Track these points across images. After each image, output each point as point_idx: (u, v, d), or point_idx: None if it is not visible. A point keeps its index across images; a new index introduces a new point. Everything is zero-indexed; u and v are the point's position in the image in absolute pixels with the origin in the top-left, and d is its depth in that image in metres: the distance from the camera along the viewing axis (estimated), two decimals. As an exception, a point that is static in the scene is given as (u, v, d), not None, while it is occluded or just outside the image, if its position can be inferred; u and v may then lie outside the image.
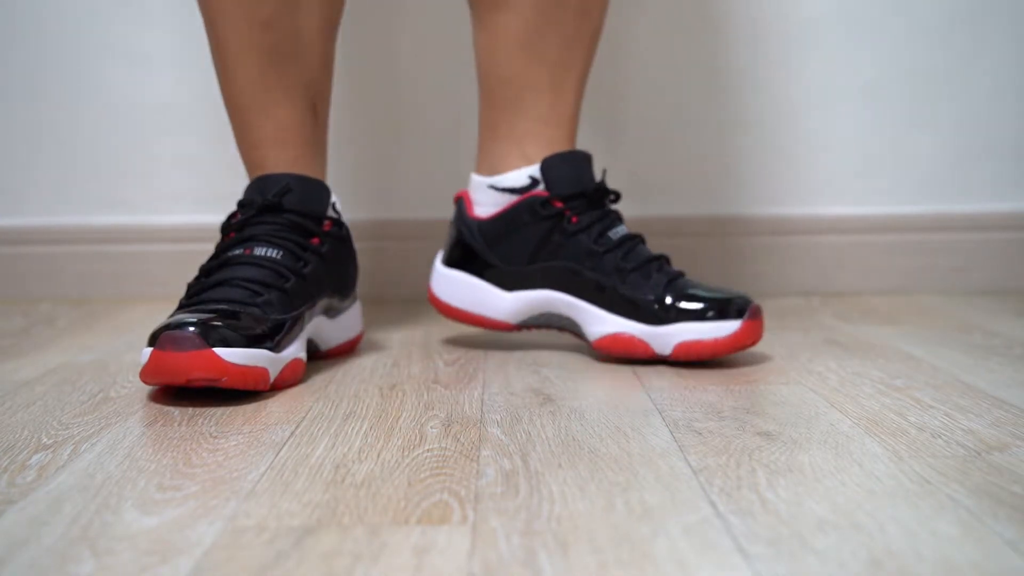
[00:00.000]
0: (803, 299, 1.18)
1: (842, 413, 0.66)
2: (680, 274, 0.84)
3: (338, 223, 0.87)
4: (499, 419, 0.66)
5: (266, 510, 0.50)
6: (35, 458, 0.59)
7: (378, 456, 0.58)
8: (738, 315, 0.80)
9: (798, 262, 1.23)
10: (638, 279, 0.83)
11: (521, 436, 0.62)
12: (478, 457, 0.58)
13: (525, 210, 0.87)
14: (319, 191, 0.86)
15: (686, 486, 0.53)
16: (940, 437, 0.61)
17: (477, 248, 0.88)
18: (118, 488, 0.53)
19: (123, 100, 1.22)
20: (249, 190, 0.85)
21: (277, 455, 0.59)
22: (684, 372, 0.79)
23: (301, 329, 0.79)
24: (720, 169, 1.24)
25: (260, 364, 0.72)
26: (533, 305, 0.87)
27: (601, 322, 0.84)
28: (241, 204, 0.84)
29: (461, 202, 0.90)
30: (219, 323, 0.71)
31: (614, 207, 0.89)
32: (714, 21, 1.23)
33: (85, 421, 0.67)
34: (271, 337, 0.74)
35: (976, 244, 1.23)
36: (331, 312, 0.87)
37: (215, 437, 0.62)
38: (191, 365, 0.68)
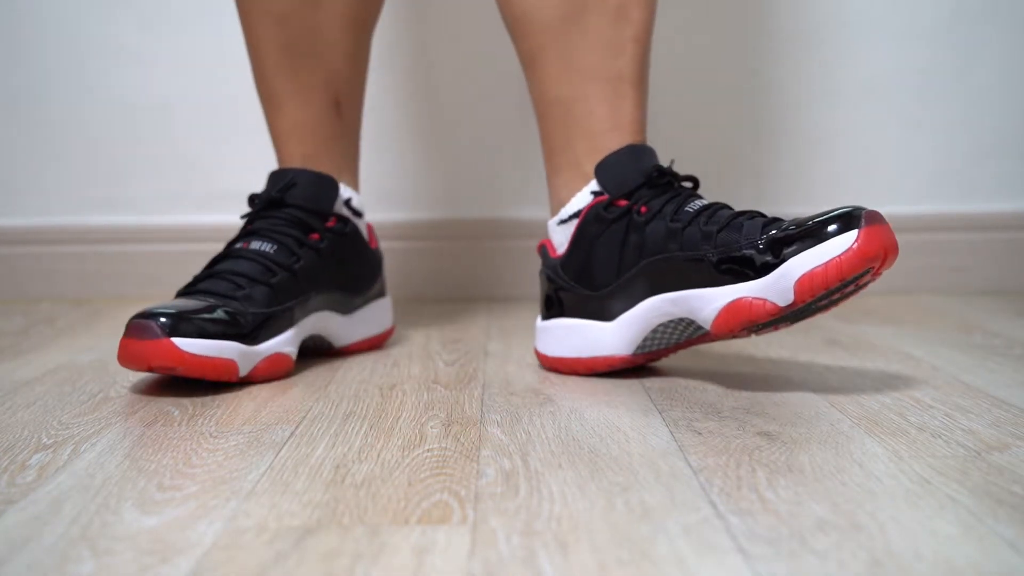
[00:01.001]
0: (803, 299, 1.18)
1: (842, 413, 0.66)
2: (777, 218, 0.72)
3: (344, 220, 0.87)
4: (499, 419, 0.66)
5: (266, 510, 0.50)
6: (35, 458, 0.59)
7: (378, 456, 0.58)
8: (851, 224, 0.66)
9: (798, 262, 1.22)
10: (730, 235, 0.71)
11: (521, 436, 0.62)
12: (478, 457, 0.58)
13: (592, 222, 0.78)
14: (326, 187, 0.86)
15: (686, 486, 0.53)
16: (940, 437, 0.61)
17: (566, 287, 0.80)
18: (118, 488, 0.53)
19: (123, 100, 1.23)
20: (266, 183, 0.87)
21: (277, 455, 0.59)
22: (684, 372, 0.79)
23: (291, 324, 0.80)
24: (720, 169, 1.24)
25: (226, 356, 0.73)
26: (640, 323, 0.76)
27: (709, 301, 0.71)
28: (250, 198, 0.86)
29: (544, 249, 0.83)
30: (191, 314, 0.73)
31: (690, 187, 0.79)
32: (714, 21, 1.23)
33: (85, 421, 0.67)
34: (246, 330, 0.75)
35: (976, 244, 1.23)
36: (344, 308, 0.87)
37: (215, 437, 0.62)
38: (150, 353, 0.71)
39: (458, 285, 1.23)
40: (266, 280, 0.79)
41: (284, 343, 0.79)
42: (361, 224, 0.91)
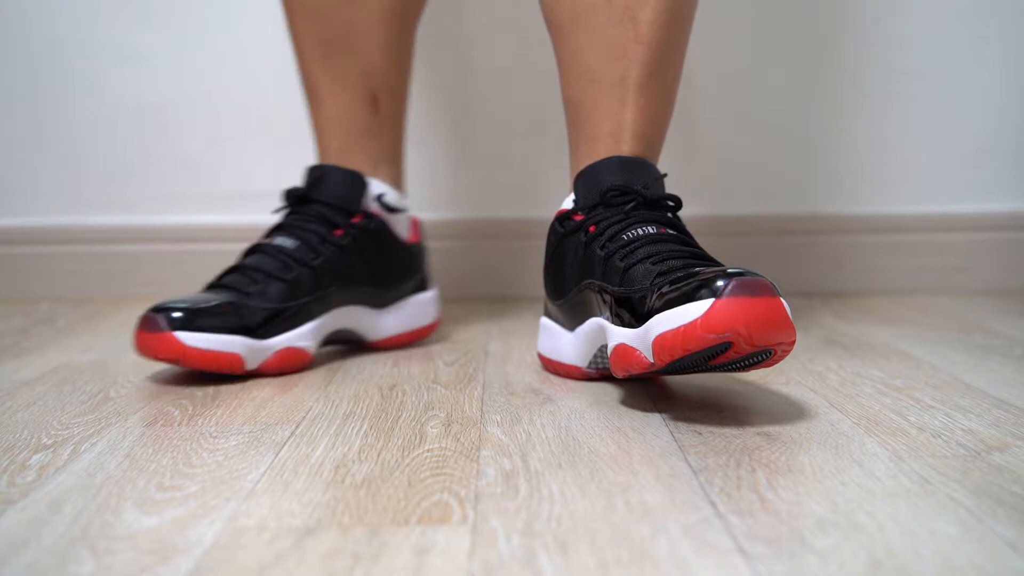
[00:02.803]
0: (803, 299, 1.18)
1: (842, 413, 0.66)
2: (696, 259, 0.69)
3: (369, 216, 0.88)
4: (499, 419, 0.66)
5: (266, 510, 0.50)
6: (35, 458, 0.59)
7: (378, 456, 0.58)
8: (710, 292, 0.59)
9: (798, 262, 1.23)
10: (634, 275, 0.68)
11: (521, 436, 0.62)
12: (478, 457, 0.58)
13: (551, 233, 0.79)
14: (353, 183, 0.88)
15: (686, 486, 0.53)
16: (940, 437, 0.61)
17: (545, 289, 0.82)
18: (118, 488, 0.53)
19: (123, 100, 1.22)
20: (302, 178, 0.90)
21: (277, 455, 0.59)
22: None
23: (308, 318, 0.82)
24: (719, 169, 1.24)
25: (230, 350, 0.77)
26: (586, 340, 0.75)
27: (610, 338, 0.68)
28: (285, 192, 0.89)
29: None
30: (196, 309, 0.76)
31: (671, 214, 0.75)
32: (714, 21, 1.23)
33: (85, 421, 0.67)
34: (253, 325, 0.78)
35: (976, 244, 1.23)
36: (376, 303, 0.89)
37: (215, 437, 0.62)
38: (156, 346, 0.75)
39: (459, 285, 1.23)
40: (281, 276, 0.81)
41: (299, 338, 0.81)
42: (400, 218, 0.92)
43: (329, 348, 0.90)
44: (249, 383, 0.77)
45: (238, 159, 1.22)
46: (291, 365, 0.80)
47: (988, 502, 0.50)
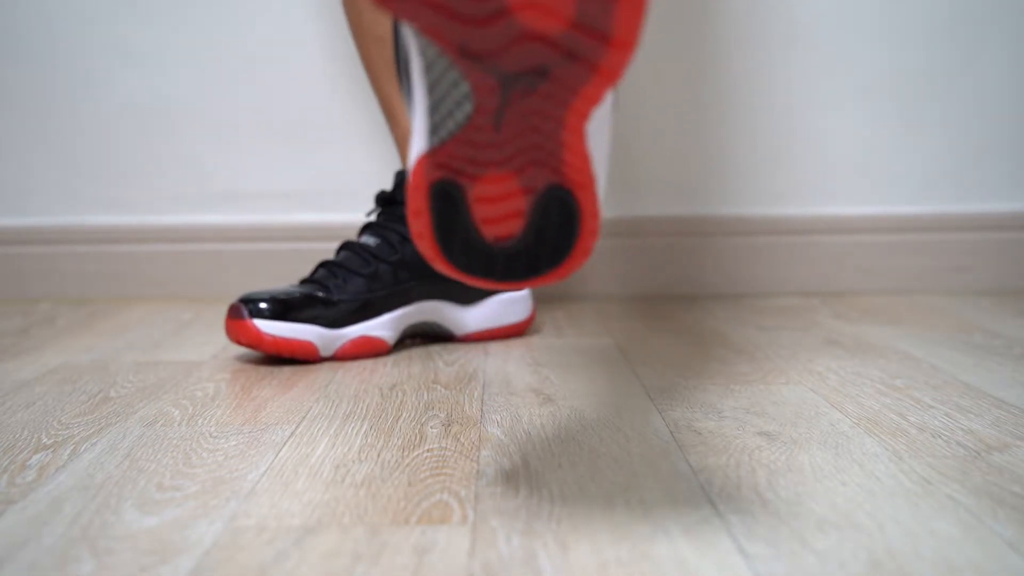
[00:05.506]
0: (803, 299, 1.18)
1: (842, 413, 0.66)
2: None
3: None
4: (499, 419, 0.66)
5: (266, 510, 0.50)
6: (35, 458, 0.59)
7: (378, 456, 0.58)
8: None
9: (798, 262, 1.23)
10: None
11: (521, 436, 0.62)
12: (478, 457, 0.58)
13: None
14: None
15: (686, 486, 0.53)
16: (940, 437, 0.61)
17: None
18: (118, 488, 0.53)
19: (123, 100, 1.22)
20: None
21: (277, 455, 0.59)
22: (684, 372, 0.79)
23: (386, 310, 0.88)
24: (720, 169, 1.24)
25: (304, 338, 0.83)
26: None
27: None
28: (376, 196, 0.95)
29: None
30: (275, 300, 0.83)
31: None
32: (713, 21, 1.23)
33: (85, 421, 0.67)
34: (330, 315, 0.85)
35: (976, 244, 1.23)
36: (462, 299, 0.93)
37: (215, 437, 0.62)
38: (238, 331, 0.83)
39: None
40: (360, 271, 0.88)
41: (375, 327, 0.87)
42: None
43: (414, 340, 0.94)
44: (250, 383, 0.77)
45: (238, 159, 1.22)
46: (365, 352, 0.86)
47: (988, 502, 0.50)
